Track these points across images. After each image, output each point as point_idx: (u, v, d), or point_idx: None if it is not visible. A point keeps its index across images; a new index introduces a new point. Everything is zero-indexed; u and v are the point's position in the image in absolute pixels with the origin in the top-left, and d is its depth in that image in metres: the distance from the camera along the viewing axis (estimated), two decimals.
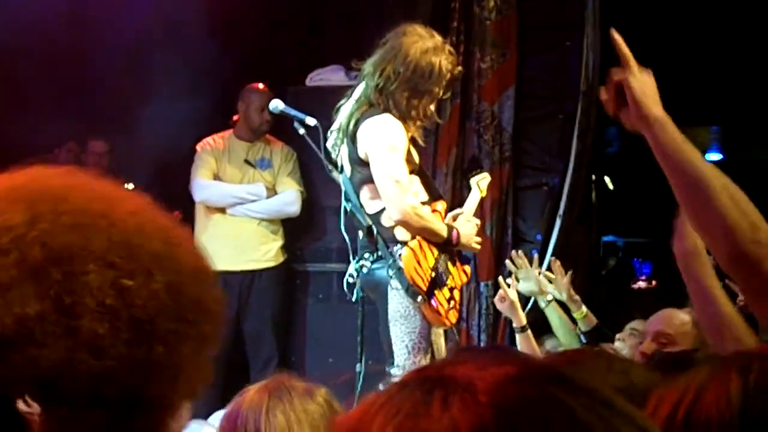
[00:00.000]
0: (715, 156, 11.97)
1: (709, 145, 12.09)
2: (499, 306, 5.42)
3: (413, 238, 5.05)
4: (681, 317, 4.42)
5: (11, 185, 1.16)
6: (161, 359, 1.13)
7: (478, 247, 5.49)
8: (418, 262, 5.02)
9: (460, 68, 5.45)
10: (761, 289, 2.21)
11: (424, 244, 5.07)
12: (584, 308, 5.44)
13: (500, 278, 5.60)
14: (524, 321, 5.27)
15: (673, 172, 2.27)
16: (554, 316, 5.60)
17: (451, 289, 5.16)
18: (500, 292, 5.35)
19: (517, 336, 5.24)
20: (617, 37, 2.43)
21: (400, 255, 5.03)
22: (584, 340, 5.40)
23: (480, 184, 5.75)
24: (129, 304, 1.11)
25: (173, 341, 1.14)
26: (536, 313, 5.86)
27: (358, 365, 5.32)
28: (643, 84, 2.35)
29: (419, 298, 5.00)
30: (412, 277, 4.98)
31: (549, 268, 5.80)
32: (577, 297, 5.48)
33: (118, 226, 1.15)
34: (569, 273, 5.61)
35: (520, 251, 5.90)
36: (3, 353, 1.07)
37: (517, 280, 5.62)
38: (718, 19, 9.46)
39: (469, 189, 5.85)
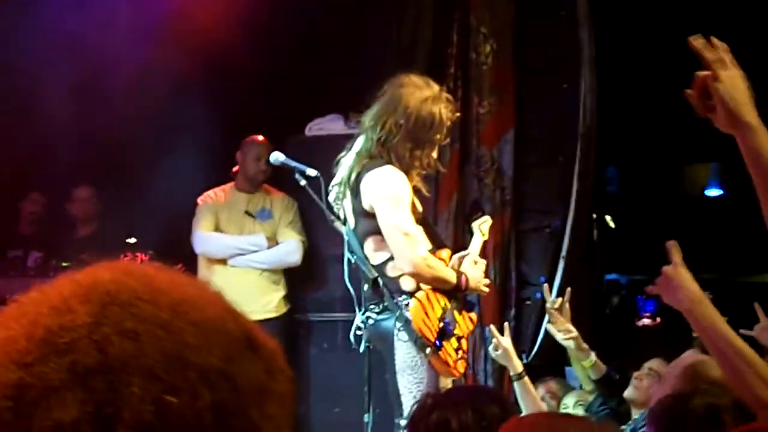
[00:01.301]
0: (716, 192, 11.97)
1: (709, 181, 12.10)
2: (493, 354, 5.33)
3: (419, 288, 5.04)
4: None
5: (90, 282, 1.15)
6: None
7: (486, 290, 5.48)
8: (426, 314, 5.01)
9: (458, 114, 5.46)
10: None
11: (432, 295, 5.07)
12: (593, 356, 5.35)
13: (492, 327, 5.49)
14: (520, 368, 5.19)
15: (763, 179, 2.20)
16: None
17: (458, 339, 5.14)
18: (494, 340, 5.27)
19: (515, 384, 5.16)
20: (696, 43, 2.36)
21: (407, 306, 5.01)
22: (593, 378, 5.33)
23: (482, 227, 5.72)
24: (167, 421, 1.07)
25: None
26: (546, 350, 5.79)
27: (366, 415, 5.28)
28: (731, 87, 2.29)
29: (428, 350, 4.98)
30: (420, 329, 4.96)
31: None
32: (585, 346, 5.35)
33: (175, 338, 1.11)
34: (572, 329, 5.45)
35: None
36: None
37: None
38: None
39: (471, 234, 5.82)
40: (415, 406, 3.23)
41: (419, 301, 5.02)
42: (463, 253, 5.42)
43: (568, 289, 6.04)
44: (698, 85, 2.32)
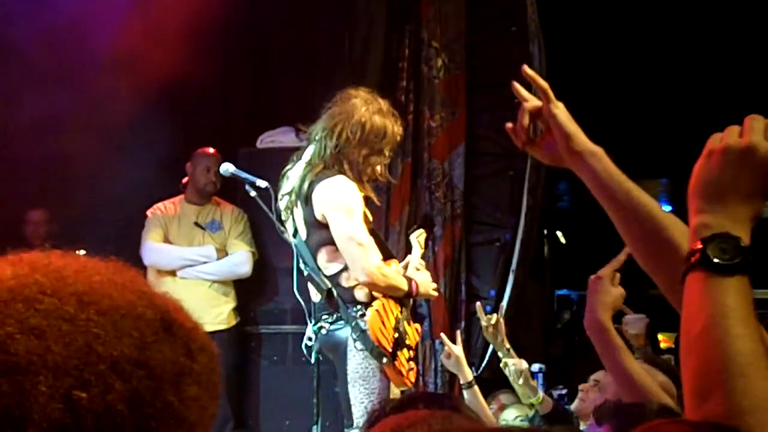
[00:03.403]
0: (665, 208, 12.05)
1: (658, 197, 12.20)
2: (444, 362, 5.35)
3: (373, 298, 5.05)
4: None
5: None
6: None
7: (435, 294, 5.52)
8: (383, 323, 5.02)
9: (401, 132, 5.48)
10: None
11: (387, 305, 5.08)
12: (541, 394, 5.34)
13: (442, 335, 5.54)
14: (470, 377, 5.21)
15: (613, 203, 2.12)
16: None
17: (410, 349, 5.16)
18: (446, 348, 5.29)
19: (464, 392, 5.18)
20: (530, 72, 2.34)
21: (362, 316, 5.02)
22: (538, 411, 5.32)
23: (418, 239, 5.75)
24: (78, 416, 1.05)
25: None
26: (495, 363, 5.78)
27: (314, 427, 5.27)
28: (567, 115, 2.23)
29: (384, 360, 4.99)
30: (377, 339, 4.97)
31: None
32: (533, 382, 5.35)
33: (82, 330, 1.08)
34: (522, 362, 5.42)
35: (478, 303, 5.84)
36: None
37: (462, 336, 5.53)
38: (666, 72, 9.59)
39: (411, 247, 5.85)
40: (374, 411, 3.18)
41: (377, 311, 5.03)
42: (403, 263, 5.45)
43: (502, 304, 6.04)
44: (529, 116, 2.28)
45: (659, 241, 2.07)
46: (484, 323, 5.33)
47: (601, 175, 2.14)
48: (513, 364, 5.30)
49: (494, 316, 5.33)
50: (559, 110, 2.24)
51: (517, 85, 2.33)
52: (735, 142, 1.71)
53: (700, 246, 1.65)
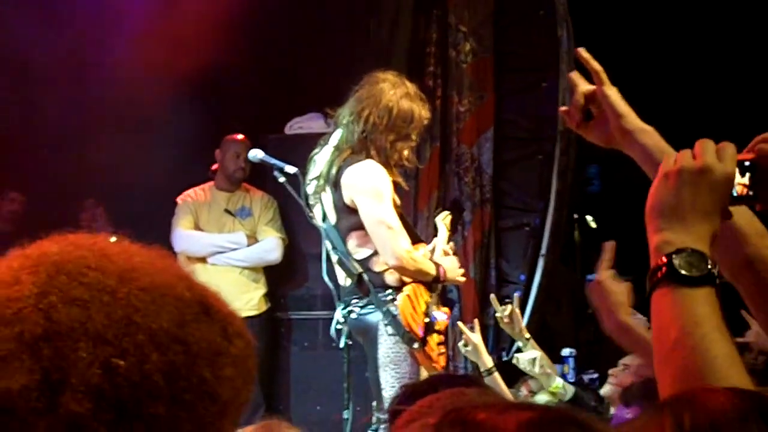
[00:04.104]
0: None
1: None
2: (463, 350, 5.31)
3: (403, 282, 5.06)
4: None
5: (38, 254, 1.16)
6: None
7: (463, 279, 5.51)
8: (414, 308, 5.03)
9: (429, 116, 5.47)
10: None
11: (417, 290, 5.09)
12: (558, 381, 5.33)
13: (459, 323, 5.50)
14: (490, 364, 5.17)
15: None
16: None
17: (440, 333, 5.17)
18: (464, 336, 5.25)
19: (485, 380, 5.13)
20: (585, 54, 2.35)
21: (392, 301, 5.03)
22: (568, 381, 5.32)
23: (444, 221, 5.76)
24: (116, 384, 1.08)
25: (159, 425, 1.11)
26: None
27: (345, 412, 5.28)
28: (618, 96, 2.23)
29: (415, 345, 5.00)
30: (408, 324, 4.98)
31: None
32: (549, 370, 5.33)
33: (123, 302, 1.12)
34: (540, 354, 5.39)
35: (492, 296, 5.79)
36: None
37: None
38: (698, 58, 9.52)
39: (437, 230, 5.84)
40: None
41: (407, 296, 5.04)
42: (429, 246, 5.45)
43: (516, 294, 6.01)
44: (585, 98, 2.29)
45: None
46: (498, 314, 5.31)
47: (654, 151, 2.13)
48: (522, 357, 5.29)
49: (508, 307, 5.31)
50: (612, 91, 2.25)
51: (573, 75, 2.34)
52: (689, 163, 1.78)
53: (665, 261, 1.71)
